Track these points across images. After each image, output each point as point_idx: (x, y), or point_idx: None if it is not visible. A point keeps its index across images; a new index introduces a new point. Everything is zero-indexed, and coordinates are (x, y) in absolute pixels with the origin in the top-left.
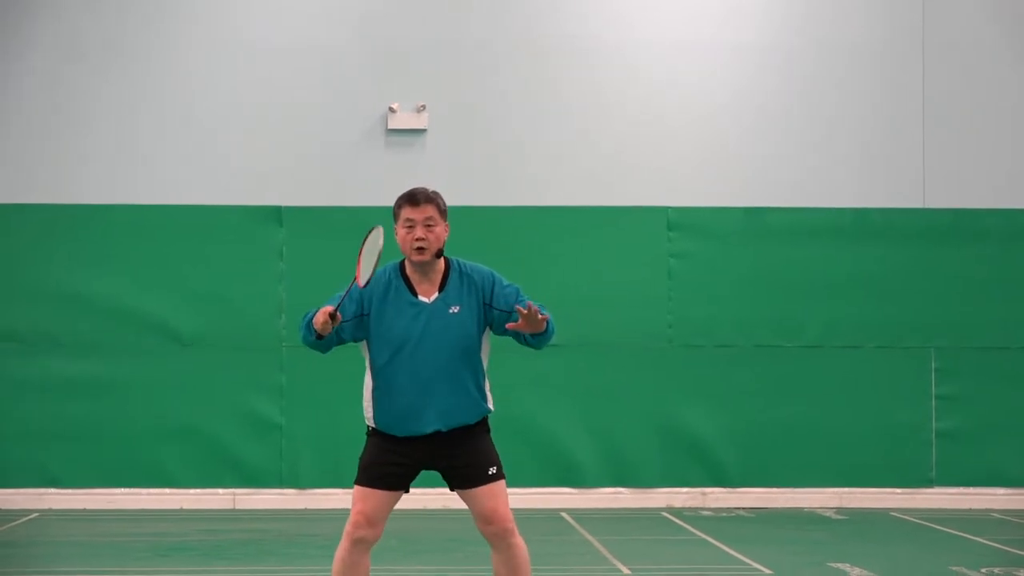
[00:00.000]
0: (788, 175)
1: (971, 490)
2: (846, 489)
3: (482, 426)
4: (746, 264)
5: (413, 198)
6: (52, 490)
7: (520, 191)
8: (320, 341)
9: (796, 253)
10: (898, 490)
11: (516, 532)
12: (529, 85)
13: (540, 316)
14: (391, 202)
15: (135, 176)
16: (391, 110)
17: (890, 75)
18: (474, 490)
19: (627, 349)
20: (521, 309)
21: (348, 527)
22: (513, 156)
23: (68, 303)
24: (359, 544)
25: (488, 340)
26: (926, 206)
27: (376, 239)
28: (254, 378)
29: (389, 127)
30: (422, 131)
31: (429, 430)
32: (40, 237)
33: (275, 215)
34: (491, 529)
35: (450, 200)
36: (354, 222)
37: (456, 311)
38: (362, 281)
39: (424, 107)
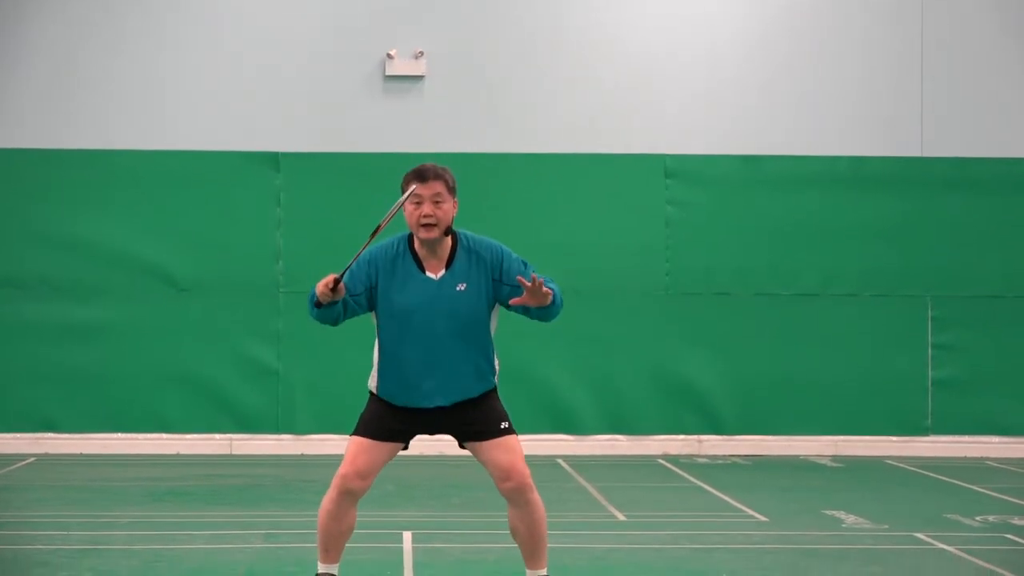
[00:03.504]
0: (786, 123)
1: (966, 438)
2: (842, 437)
3: (489, 395)
4: (743, 212)
5: (421, 174)
6: (49, 434)
7: (517, 138)
8: (323, 311)
9: (794, 201)
10: (894, 438)
11: (534, 488)
12: (527, 32)
13: (544, 289)
14: (388, 148)
15: (133, 122)
16: (389, 56)
17: (889, 23)
18: (487, 443)
19: (624, 297)
20: (524, 281)
21: (337, 479)
22: (510, 103)
23: (65, 248)
24: (347, 496)
25: (496, 314)
26: (923, 155)
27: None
28: (251, 324)
29: (387, 73)
30: (420, 77)
31: (431, 405)
32: (38, 182)
33: (272, 161)
34: (509, 485)
35: (447, 147)
36: (351, 168)
37: (463, 288)
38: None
39: (422, 53)
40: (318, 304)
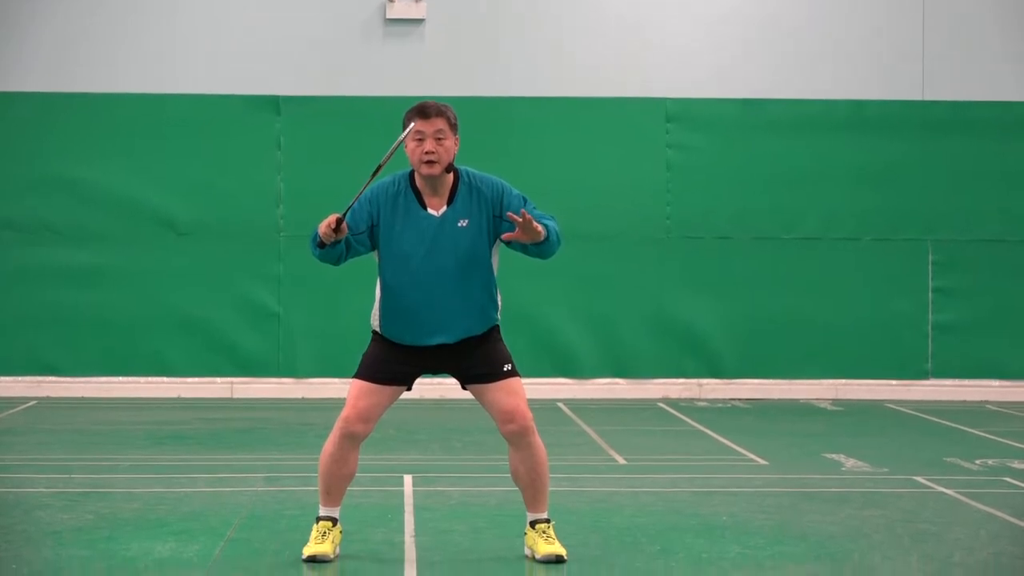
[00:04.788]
0: (787, 66)
1: (966, 382)
2: (842, 381)
3: (492, 333)
4: (744, 156)
5: (423, 111)
6: (50, 378)
7: (518, 82)
8: (326, 251)
9: (795, 145)
10: (894, 382)
11: (536, 431)
12: None
13: (536, 225)
14: (389, 92)
15: (133, 65)
16: (389, 0)
17: None
18: (490, 386)
19: (625, 241)
20: (515, 216)
21: (340, 421)
22: (511, 47)
23: (66, 192)
24: (349, 439)
25: (498, 251)
26: (924, 98)
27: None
28: (252, 268)
29: (388, 17)
30: (420, 21)
31: (434, 342)
32: (38, 126)
33: (273, 105)
34: (511, 428)
35: (447, 90)
36: (352, 112)
37: (465, 224)
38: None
39: None
40: (321, 244)
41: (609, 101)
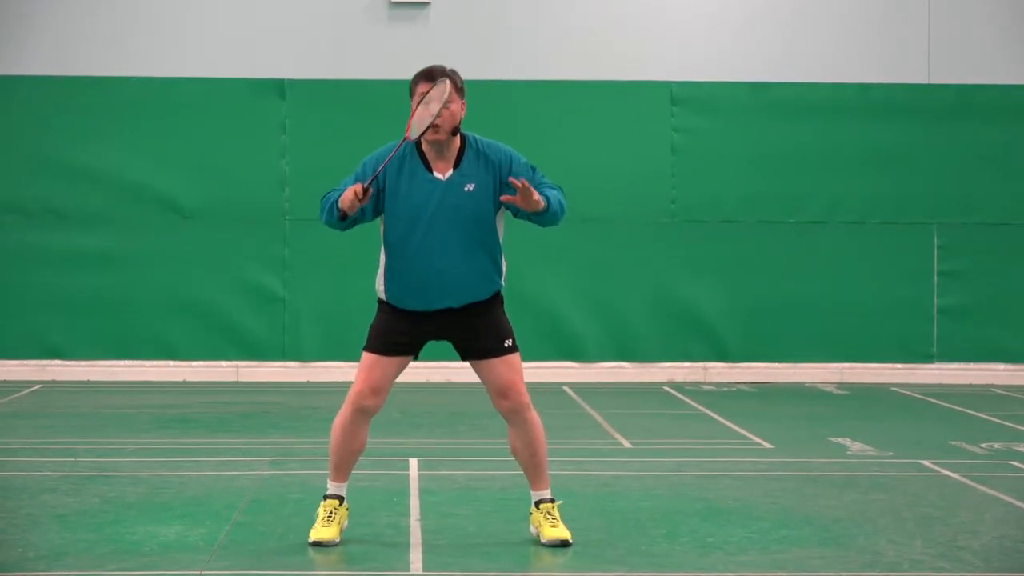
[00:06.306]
0: (792, 50)
1: (972, 365)
2: (847, 364)
3: (495, 300)
4: (749, 140)
5: (429, 75)
6: (55, 362)
7: (524, 65)
8: (343, 221)
9: (800, 128)
10: (899, 365)
11: (531, 406)
12: None
13: (535, 195)
14: (394, 75)
15: (138, 49)
16: None
17: None
18: (490, 362)
19: (630, 224)
20: (515, 181)
21: (351, 395)
22: (516, 30)
23: (71, 176)
24: (361, 413)
25: (503, 217)
26: (930, 82)
27: (441, 92)
28: (257, 251)
29: (392, 0)
30: (426, 4)
31: (440, 306)
32: (43, 109)
33: (278, 88)
34: (507, 404)
35: None
36: (357, 95)
37: (471, 189)
38: (412, 135)
39: None
40: (343, 216)
41: (614, 84)
